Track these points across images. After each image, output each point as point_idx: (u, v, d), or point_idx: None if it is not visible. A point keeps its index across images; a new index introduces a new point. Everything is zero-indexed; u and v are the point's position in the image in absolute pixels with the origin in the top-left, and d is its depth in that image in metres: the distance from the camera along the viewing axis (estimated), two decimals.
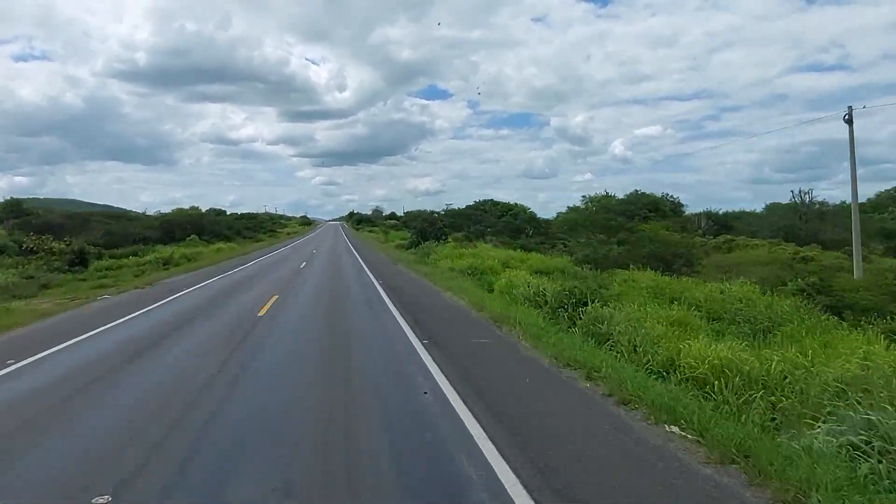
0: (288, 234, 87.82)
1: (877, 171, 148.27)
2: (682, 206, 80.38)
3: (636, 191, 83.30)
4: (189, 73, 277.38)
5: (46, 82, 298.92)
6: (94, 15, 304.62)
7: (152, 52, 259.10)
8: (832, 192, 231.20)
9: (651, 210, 75.36)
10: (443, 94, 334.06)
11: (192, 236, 49.44)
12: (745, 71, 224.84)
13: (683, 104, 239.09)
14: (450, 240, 35.13)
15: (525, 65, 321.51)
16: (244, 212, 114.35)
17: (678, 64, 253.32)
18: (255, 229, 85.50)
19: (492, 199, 76.52)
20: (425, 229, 34.43)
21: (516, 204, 67.66)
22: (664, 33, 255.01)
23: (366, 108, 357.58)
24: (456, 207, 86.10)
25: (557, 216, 59.30)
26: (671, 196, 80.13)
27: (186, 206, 76.99)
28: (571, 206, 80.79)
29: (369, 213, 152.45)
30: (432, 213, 48.48)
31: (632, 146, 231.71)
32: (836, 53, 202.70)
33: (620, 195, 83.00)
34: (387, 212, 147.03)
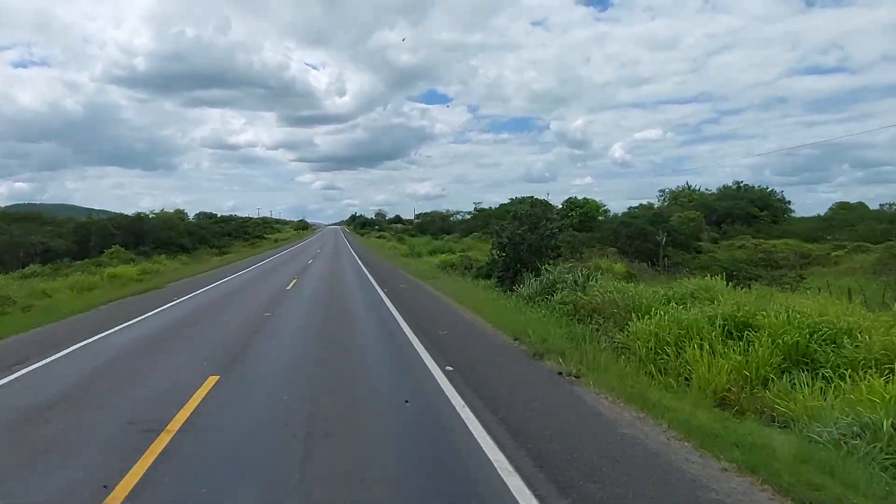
0: (276, 241, 69.84)
1: (878, 172, 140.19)
2: (788, 202, 62.34)
3: (737, 183, 64.91)
4: (188, 78, 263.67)
5: (46, 88, 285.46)
6: (92, 20, 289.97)
7: (151, 57, 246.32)
8: (833, 194, 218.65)
9: (761, 208, 57.29)
10: (442, 99, 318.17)
11: (115, 247, 32.86)
12: (745, 73, 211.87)
13: (683, 107, 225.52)
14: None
15: (525, 68, 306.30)
16: (241, 216, 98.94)
17: (678, 66, 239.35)
18: (238, 235, 67.50)
19: (532, 196, 58.78)
20: (522, 240, 16.48)
21: (586, 200, 48.69)
22: (664, 36, 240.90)
23: (365, 112, 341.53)
24: (487, 207, 68.47)
25: (678, 216, 40.93)
26: (774, 191, 62.32)
27: (174, 210, 64.67)
28: (643, 203, 62.89)
29: (371, 216, 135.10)
30: (532, 199, 28.35)
31: (631, 149, 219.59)
32: (835, 55, 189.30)
33: (713, 189, 65.06)
34: (389, 215, 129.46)
